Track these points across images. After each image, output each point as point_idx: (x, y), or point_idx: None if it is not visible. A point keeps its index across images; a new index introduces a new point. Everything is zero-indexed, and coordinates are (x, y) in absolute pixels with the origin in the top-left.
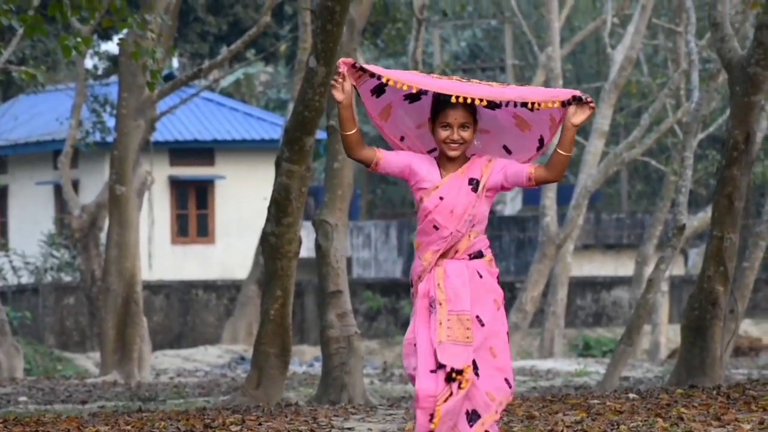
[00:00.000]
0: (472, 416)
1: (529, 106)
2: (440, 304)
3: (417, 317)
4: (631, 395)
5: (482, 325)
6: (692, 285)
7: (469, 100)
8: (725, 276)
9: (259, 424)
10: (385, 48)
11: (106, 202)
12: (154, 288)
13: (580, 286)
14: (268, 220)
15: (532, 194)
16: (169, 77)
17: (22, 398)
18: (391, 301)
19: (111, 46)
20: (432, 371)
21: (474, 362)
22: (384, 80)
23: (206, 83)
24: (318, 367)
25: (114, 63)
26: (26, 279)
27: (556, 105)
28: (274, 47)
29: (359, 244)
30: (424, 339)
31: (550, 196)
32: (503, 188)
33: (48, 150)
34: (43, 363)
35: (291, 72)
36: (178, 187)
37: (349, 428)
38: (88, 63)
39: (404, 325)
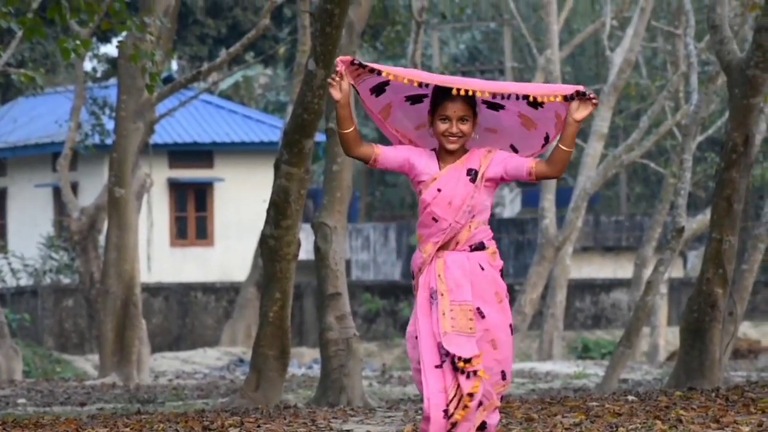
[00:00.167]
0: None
1: (531, 98)
2: (441, 294)
3: (418, 310)
4: (629, 397)
5: (482, 317)
6: (691, 287)
7: (470, 92)
8: (724, 278)
9: (258, 427)
10: (384, 50)
11: (105, 205)
12: (153, 290)
13: (579, 288)
14: (267, 222)
15: (531, 196)
16: (168, 80)
17: (21, 400)
18: (389, 304)
19: (110, 49)
20: (437, 366)
21: None
22: (384, 75)
23: (205, 86)
24: (317, 370)
25: (113, 65)
26: (25, 281)
27: (558, 99)
28: (273, 50)
29: (358, 246)
30: (426, 333)
31: (549, 198)
32: (503, 180)
33: (47, 152)
34: (41, 365)
35: (290, 74)
36: (177, 189)
37: (347, 430)
38: (87, 65)
39: (403, 327)
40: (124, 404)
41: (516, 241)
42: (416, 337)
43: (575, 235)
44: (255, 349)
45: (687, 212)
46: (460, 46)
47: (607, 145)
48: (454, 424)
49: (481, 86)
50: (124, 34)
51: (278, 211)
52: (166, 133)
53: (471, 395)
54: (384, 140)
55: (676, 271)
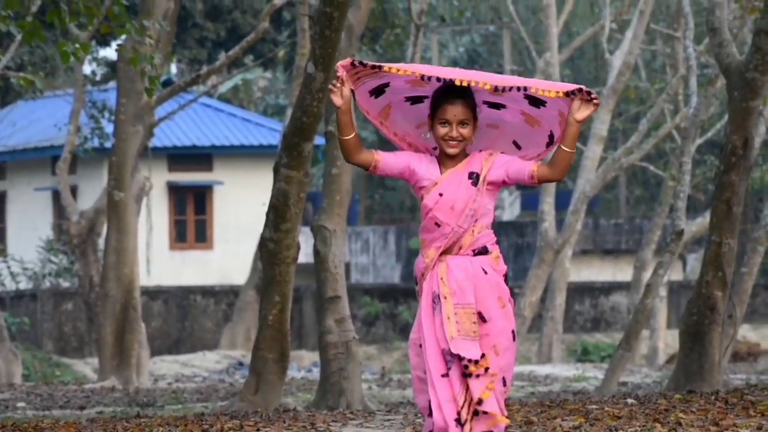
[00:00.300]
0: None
1: (533, 91)
2: (445, 297)
3: (422, 316)
4: (629, 400)
5: (484, 321)
6: (690, 290)
7: (473, 84)
8: (723, 281)
9: (257, 430)
10: (383, 53)
11: (104, 208)
12: (152, 294)
13: (579, 291)
14: (266, 225)
15: (530, 199)
16: (168, 83)
17: (21, 404)
18: (389, 307)
19: (109, 52)
20: (444, 375)
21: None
22: (386, 69)
23: (204, 89)
24: (316, 373)
25: (112, 69)
26: (24, 285)
27: (560, 95)
28: (272, 53)
29: (357, 249)
30: (431, 341)
31: (548, 201)
32: (505, 183)
33: (46, 156)
34: (41, 369)
35: (289, 78)
36: (176, 192)
37: None
38: (87, 69)
39: (402, 330)
40: (124, 408)
41: (515, 244)
42: (420, 345)
43: (575, 238)
44: (254, 353)
45: (686, 215)
46: (460, 49)
47: (606, 148)
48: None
49: (483, 78)
50: (123, 37)
51: (277, 214)
52: (165, 136)
53: (480, 401)
54: (384, 144)
55: (675, 274)
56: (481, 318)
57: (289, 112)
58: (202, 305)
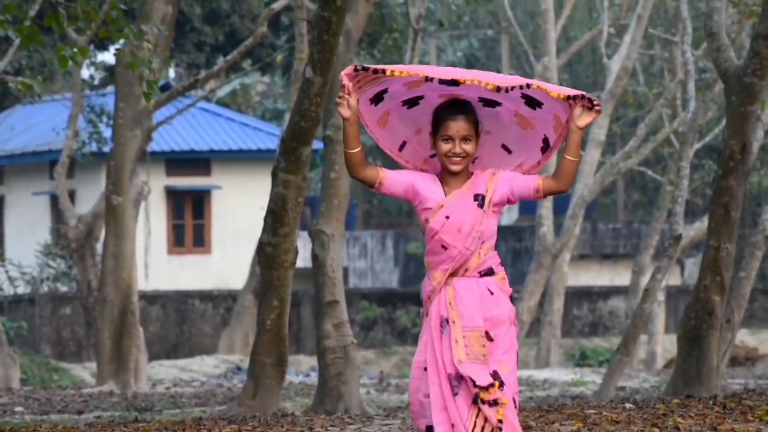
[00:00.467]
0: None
1: (535, 86)
2: (453, 321)
3: (432, 339)
4: (627, 405)
5: (490, 340)
6: (688, 295)
7: (476, 82)
8: (722, 286)
9: None
10: (381, 58)
11: (102, 213)
12: (150, 298)
13: (577, 295)
14: (264, 230)
15: (528, 204)
16: (166, 87)
17: (19, 408)
18: (387, 311)
19: (107, 57)
20: (450, 399)
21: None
22: (388, 72)
23: (203, 93)
24: (314, 377)
25: (110, 73)
26: (23, 289)
27: (561, 97)
28: (270, 57)
29: (356, 254)
30: (438, 366)
31: (546, 205)
32: (509, 202)
33: (44, 160)
34: (39, 373)
35: (287, 82)
36: (174, 197)
37: None
38: (85, 73)
39: (400, 335)
40: (122, 412)
41: (513, 249)
42: (425, 369)
43: (573, 243)
44: (252, 357)
45: (684, 220)
46: (458, 54)
47: (604, 153)
48: None
49: (485, 77)
50: (121, 41)
51: (276, 219)
52: (163, 140)
53: (500, 422)
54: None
55: (673, 279)
56: (488, 337)
57: (287, 116)
58: (200, 310)
